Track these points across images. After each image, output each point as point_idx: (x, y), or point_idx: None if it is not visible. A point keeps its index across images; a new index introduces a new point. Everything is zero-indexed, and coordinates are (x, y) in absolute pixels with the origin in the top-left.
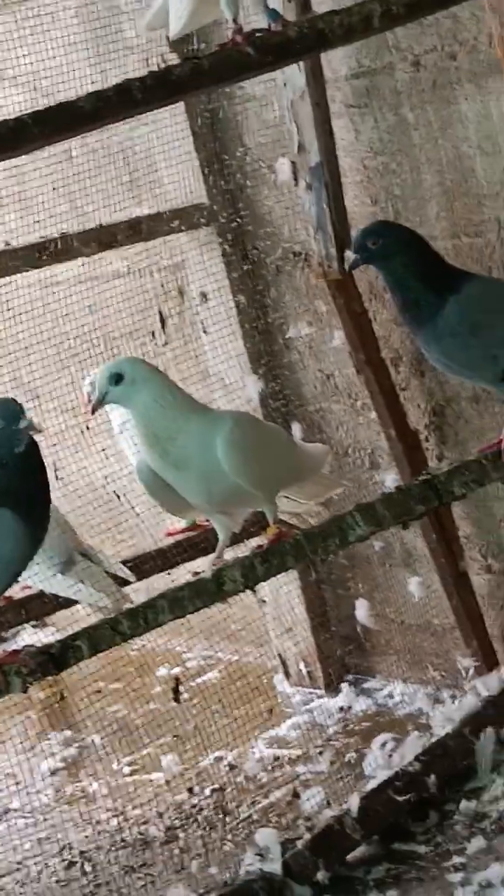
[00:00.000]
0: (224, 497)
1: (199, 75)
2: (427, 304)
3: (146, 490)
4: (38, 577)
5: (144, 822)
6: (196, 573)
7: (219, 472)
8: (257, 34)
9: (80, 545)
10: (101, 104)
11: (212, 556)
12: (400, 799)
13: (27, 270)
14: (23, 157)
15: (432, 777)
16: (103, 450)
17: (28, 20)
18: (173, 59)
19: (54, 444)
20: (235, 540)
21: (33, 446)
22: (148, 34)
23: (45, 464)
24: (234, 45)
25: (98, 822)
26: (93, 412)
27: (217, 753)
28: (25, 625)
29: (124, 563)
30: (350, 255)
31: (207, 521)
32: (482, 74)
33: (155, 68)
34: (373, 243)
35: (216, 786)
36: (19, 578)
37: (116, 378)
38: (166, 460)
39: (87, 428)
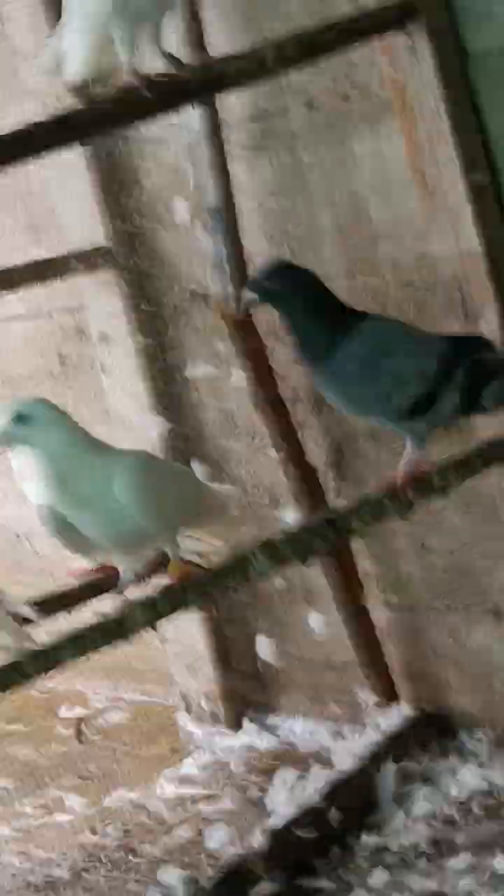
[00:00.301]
0: (125, 536)
1: (97, 119)
2: (322, 344)
3: (49, 530)
4: None
5: (50, 864)
6: (100, 613)
7: (119, 512)
8: (153, 78)
9: None
10: (1, 148)
11: (114, 596)
12: (303, 834)
13: None
14: None
15: (335, 812)
16: (4, 491)
17: None
18: (70, 100)
19: None
20: (139, 579)
21: None
22: (45, 77)
23: None
24: (131, 89)
25: (4, 865)
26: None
27: (121, 793)
28: None
29: (27, 603)
30: (247, 294)
31: (112, 561)
32: (375, 116)
33: (52, 111)
34: (269, 283)
35: (121, 826)
36: None
37: (21, 418)
38: (69, 501)
39: None
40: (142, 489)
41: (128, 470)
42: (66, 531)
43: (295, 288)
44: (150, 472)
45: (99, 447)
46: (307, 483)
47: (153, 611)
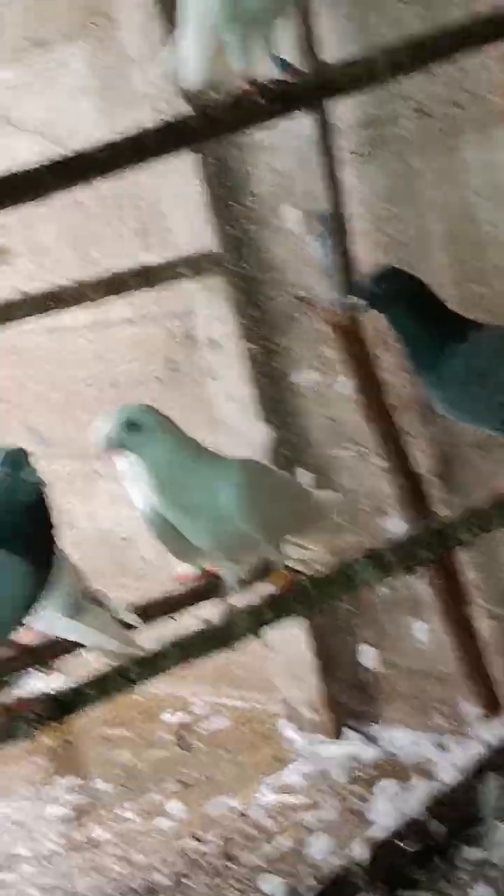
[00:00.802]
0: (233, 543)
1: (209, 125)
2: (432, 352)
3: (155, 535)
4: (45, 622)
5: (150, 870)
6: (204, 620)
7: (226, 519)
8: (267, 83)
9: (87, 590)
10: (114, 153)
11: (220, 603)
12: (405, 846)
13: (36, 316)
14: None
15: (437, 824)
16: (111, 495)
17: (39, 69)
18: (183, 106)
19: (63, 490)
20: (243, 586)
21: (40, 490)
22: (157, 83)
23: (53, 508)
24: (244, 95)
25: (105, 870)
26: (106, 458)
27: (223, 800)
28: (32, 670)
29: (132, 608)
30: (355, 300)
31: (216, 567)
32: (488, 123)
33: (164, 117)
34: (379, 289)
35: (222, 832)
36: (26, 622)
37: (130, 425)
38: (176, 507)
39: (96, 472)
40: (247, 497)
41: (234, 478)
42: (172, 536)
43: (404, 294)
44: (256, 481)
45: (205, 454)
46: (412, 492)
47: (258, 618)
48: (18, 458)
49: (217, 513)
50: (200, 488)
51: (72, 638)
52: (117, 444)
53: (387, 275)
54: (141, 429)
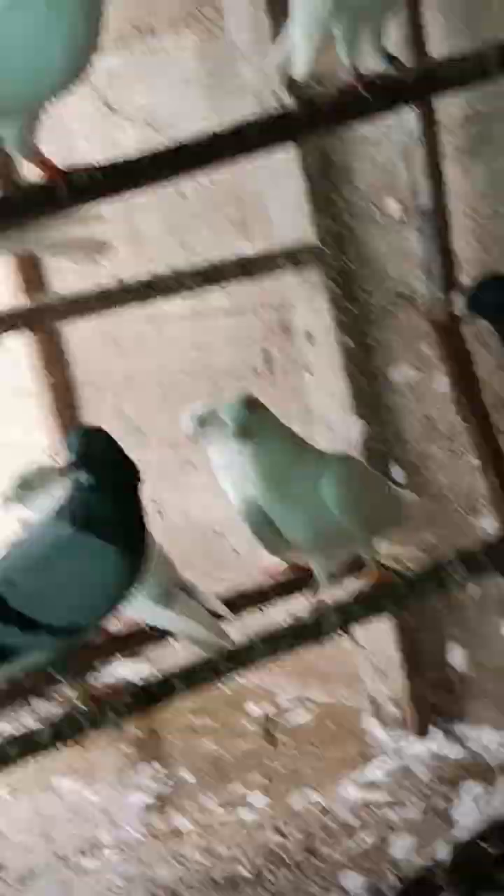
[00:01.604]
0: (328, 538)
1: (313, 117)
2: None
3: (249, 527)
4: (136, 609)
5: (233, 861)
6: (293, 615)
7: (326, 513)
8: (373, 78)
9: (178, 579)
10: (217, 145)
11: (309, 597)
12: (488, 848)
13: (135, 304)
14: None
15: None
16: (205, 486)
17: (144, 57)
18: (289, 100)
19: (155, 479)
20: (334, 582)
21: (134, 480)
22: (264, 75)
23: (145, 498)
24: (350, 88)
25: (186, 860)
26: (236, 439)
27: (306, 794)
28: (121, 658)
29: (223, 599)
30: (461, 302)
31: (307, 562)
32: None
33: (270, 109)
34: (485, 297)
35: (304, 827)
36: (117, 611)
37: (250, 406)
38: (275, 498)
39: (190, 464)
40: (349, 492)
41: (337, 472)
42: (266, 529)
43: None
44: (355, 476)
45: (306, 447)
46: None
47: (347, 615)
48: (84, 441)
49: (317, 506)
50: (302, 480)
51: (162, 626)
52: (239, 426)
53: (490, 283)
54: (257, 416)
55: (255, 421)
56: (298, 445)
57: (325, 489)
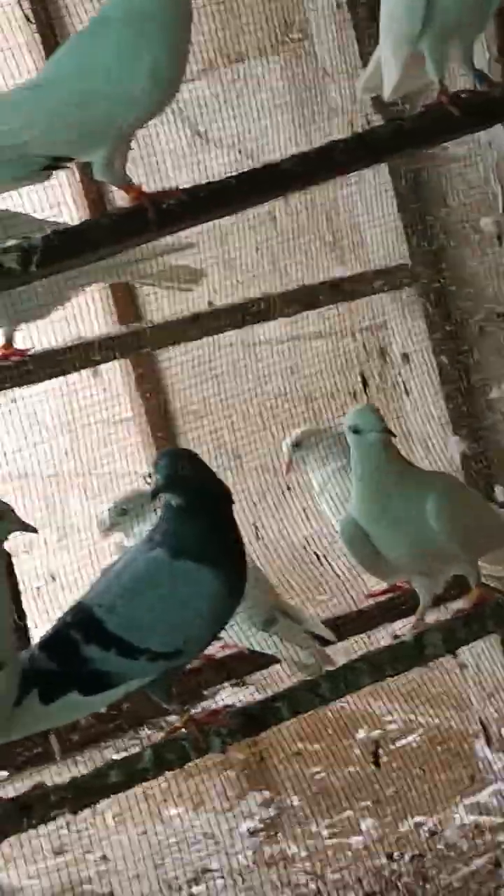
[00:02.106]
0: (430, 558)
1: (401, 137)
2: None
3: (348, 548)
4: (239, 634)
5: (343, 887)
6: (396, 636)
7: (428, 533)
8: (463, 95)
9: (280, 603)
10: (304, 166)
11: (413, 619)
12: None
13: (230, 330)
14: (226, 218)
15: None
16: (304, 510)
17: (234, 82)
18: (377, 120)
19: (255, 504)
20: (436, 603)
21: (226, 501)
22: (354, 97)
23: (244, 523)
24: (439, 106)
25: (297, 886)
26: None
27: (417, 819)
28: (225, 684)
29: (324, 623)
30: None
31: (407, 583)
32: None
33: (359, 130)
34: None
35: (416, 852)
36: (219, 636)
37: (355, 429)
38: (381, 517)
39: (288, 488)
40: (451, 511)
41: (440, 493)
42: (367, 549)
43: None
44: (458, 495)
45: (411, 466)
46: None
47: (451, 636)
48: (171, 463)
49: (420, 525)
50: (407, 499)
51: (266, 651)
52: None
53: None
54: (364, 432)
55: (362, 436)
56: (405, 463)
57: (429, 509)
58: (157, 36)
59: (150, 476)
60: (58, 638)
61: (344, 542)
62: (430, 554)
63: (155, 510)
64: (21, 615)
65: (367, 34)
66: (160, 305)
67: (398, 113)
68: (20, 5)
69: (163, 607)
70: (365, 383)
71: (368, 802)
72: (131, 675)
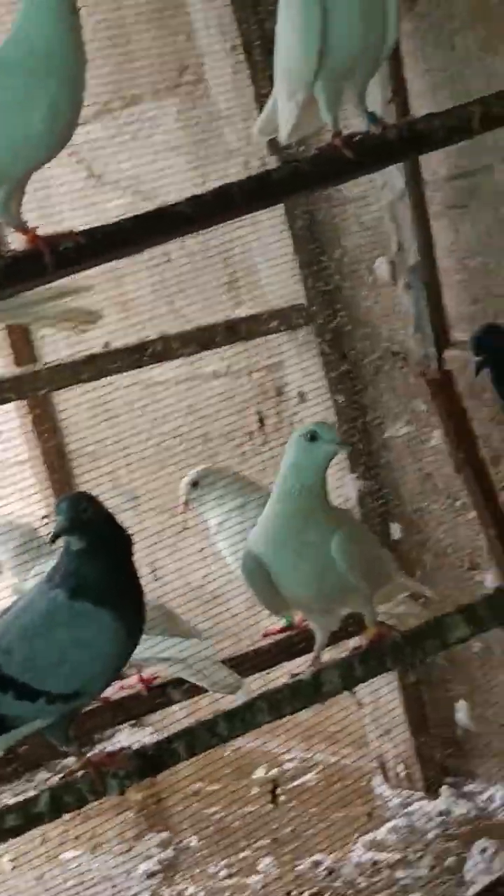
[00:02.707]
0: (331, 593)
1: (298, 178)
2: None
3: (248, 581)
4: (148, 663)
5: None
6: (294, 674)
7: (331, 568)
8: (356, 137)
9: (184, 629)
10: (201, 208)
11: (310, 657)
12: None
13: (126, 371)
14: (123, 259)
15: None
16: (201, 550)
17: (130, 125)
18: (273, 162)
19: (153, 545)
20: (332, 640)
21: (126, 544)
22: (248, 137)
23: (142, 563)
24: (334, 149)
25: None
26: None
27: (315, 857)
28: (122, 725)
29: (223, 663)
30: (471, 358)
31: (305, 621)
32: None
33: (255, 172)
34: (482, 346)
35: (314, 890)
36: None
37: (312, 435)
38: (288, 547)
39: (185, 528)
40: (355, 545)
41: (348, 528)
42: (267, 584)
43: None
44: (365, 534)
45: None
46: None
47: (349, 673)
48: (71, 506)
49: (323, 561)
50: (315, 533)
51: (176, 674)
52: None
53: (488, 332)
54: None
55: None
56: (324, 493)
57: (337, 545)
58: (53, 79)
59: (49, 518)
60: None
61: (244, 573)
62: (332, 588)
63: (54, 552)
64: None
65: (261, 76)
66: (56, 347)
67: (293, 155)
68: None
69: (61, 649)
70: (262, 422)
71: (266, 841)
72: (29, 717)
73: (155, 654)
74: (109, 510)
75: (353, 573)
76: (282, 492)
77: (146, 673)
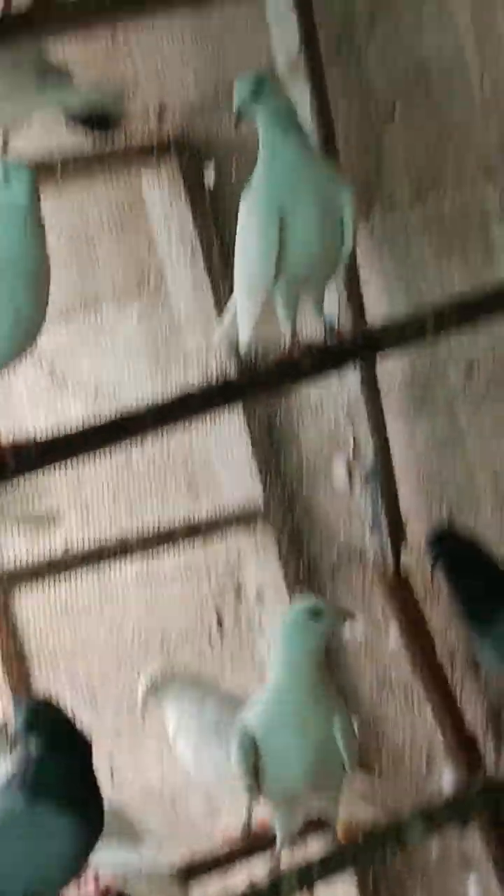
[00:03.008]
0: (323, 777)
1: (256, 383)
2: (485, 611)
3: (238, 758)
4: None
5: None
6: (254, 877)
7: (332, 748)
8: (313, 344)
9: (138, 836)
10: (162, 412)
11: (269, 860)
12: None
13: (85, 571)
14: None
15: None
16: (159, 751)
17: (89, 329)
18: (232, 366)
19: (110, 745)
20: (293, 842)
21: (85, 747)
22: (207, 342)
23: (99, 764)
24: (290, 356)
25: None
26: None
27: None
28: None
29: (180, 868)
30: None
31: (262, 826)
32: None
33: (213, 377)
34: (435, 548)
35: None
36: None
37: (315, 611)
38: (289, 726)
39: (143, 729)
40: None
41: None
42: (255, 765)
43: (461, 553)
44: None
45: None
46: (465, 747)
47: (307, 876)
48: (30, 710)
49: (325, 739)
50: (318, 713)
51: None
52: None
53: (443, 534)
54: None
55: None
56: (324, 671)
57: (339, 725)
58: (18, 286)
59: (5, 719)
60: None
61: (235, 750)
62: (324, 769)
63: (11, 755)
64: None
65: (221, 282)
66: (14, 547)
67: (252, 360)
68: None
69: (18, 853)
70: (220, 622)
71: None
72: None
73: (104, 860)
74: (67, 714)
75: (351, 755)
76: (281, 670)
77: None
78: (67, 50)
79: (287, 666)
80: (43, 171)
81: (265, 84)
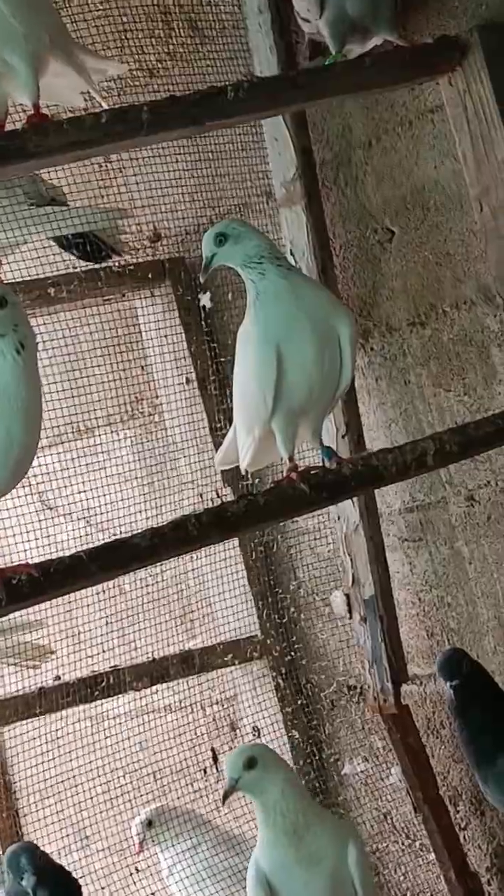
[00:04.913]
0: None
1: (253, 512)
2: (492, 744)
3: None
4: None
5: None
6: None
7: (346, 879)
8: (312, 471)
9: None
10: (157, 540)
11: None
12: None
13: (77, 705)
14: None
15: None
16: (153, 894)
17: (83, 455)
18: (228, 493)
19: (101, 888)
20: None
21: (71, 887)
22: (202, 469)
23: None
24: (289, 483)
25: None
26: (224, 799)
27: None
28: None
29: None
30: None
31: None
32: None
33: (209, 503)
34: (460, 671)
35: None
36: None
37: (249, 763)
38: (298, 855)
39: (137, 870)
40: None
41: (358, 838)
42: None
43: (473, 686)
44: None
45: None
46: (468, 890)
47: None
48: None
49: (338, 870)
50: (323, 838)
51: None
52: (238, 783)
53: (457, 658)
54: (261, 767)
55: (256, 778)
56: (309, 800)
57: (353, 855)
58: (9, 414)
59: None
60: None
61: (250, 886)
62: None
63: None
64: None
65: (216, 409)
66: (5, 680)
67: (248, 487)
68: None
69: None
70: (215, 758)
71: None
72: None
73: None
74: (55, 861)
75: (366, 890)
76: (268, 817)
77: None
78: (61, 172)
79: (268, 818)
80: (36, 294)
81: (227, 234)
